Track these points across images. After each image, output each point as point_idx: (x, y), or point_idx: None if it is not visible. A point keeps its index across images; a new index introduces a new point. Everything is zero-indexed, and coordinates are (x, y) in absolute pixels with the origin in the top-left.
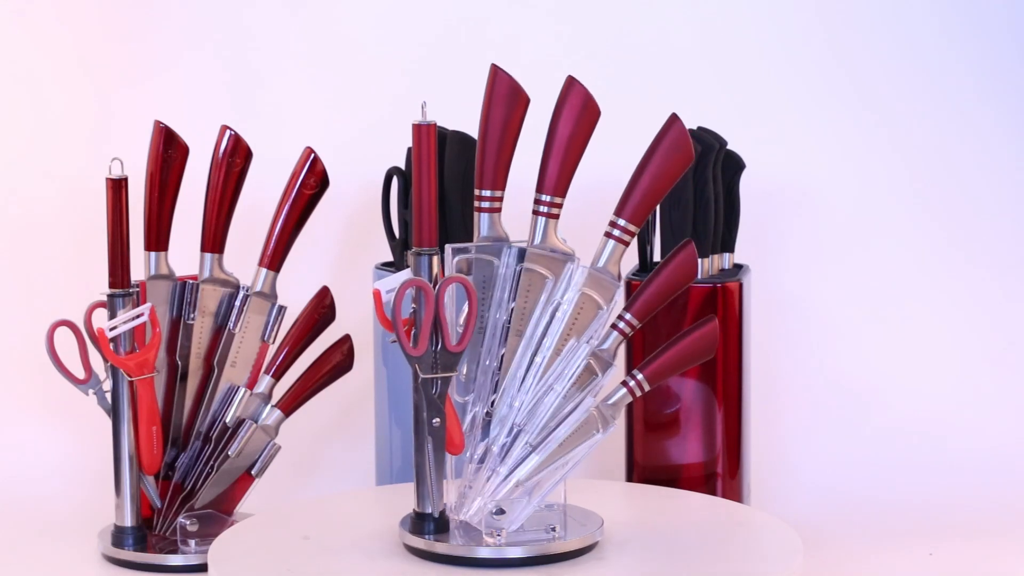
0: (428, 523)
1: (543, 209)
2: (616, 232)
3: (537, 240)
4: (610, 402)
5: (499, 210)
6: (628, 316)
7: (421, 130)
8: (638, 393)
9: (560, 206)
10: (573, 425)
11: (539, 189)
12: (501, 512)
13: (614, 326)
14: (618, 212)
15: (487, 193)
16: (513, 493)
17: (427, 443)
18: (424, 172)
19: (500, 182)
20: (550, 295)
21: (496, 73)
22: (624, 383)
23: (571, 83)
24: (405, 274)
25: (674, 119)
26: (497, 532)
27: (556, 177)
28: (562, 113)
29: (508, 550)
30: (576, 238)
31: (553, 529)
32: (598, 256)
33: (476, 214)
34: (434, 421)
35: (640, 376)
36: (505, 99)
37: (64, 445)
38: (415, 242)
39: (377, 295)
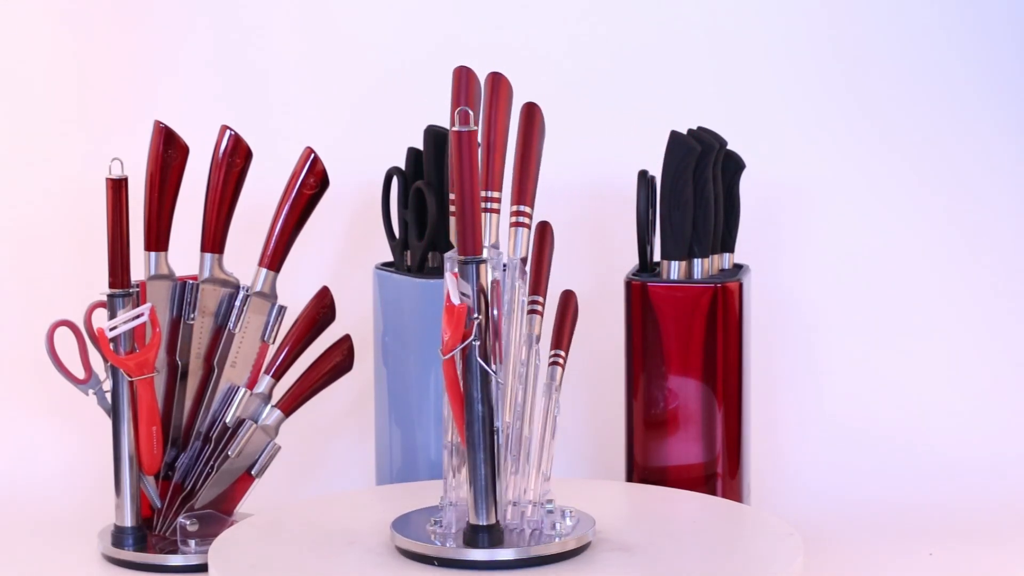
0: (483, 535)
1: (488, 205)
2: (522, 219)
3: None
4: (555, 381)
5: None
6: (539, 298)
7: (461, 137)
8: (565, 366)
9: (498, 200)
10: (547, 407)
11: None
12: (551, 502)
13: (533, 309)
14: (517, 200)
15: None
16: (541, 485)
17: (496, 450)
18: (466, 179)
19: None
20: (507, 292)
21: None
22: (555, 362)
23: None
24: (451, 282)
25: (531, 106)
26: (555, 525)
27: (487, 176)
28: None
29: (500, 552)
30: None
31: (563, 514)
32: (514, 246)
33: (452, 219)
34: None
35: (562, 352)
36: (456, 97)
37: (64, 445)
38: (460, 251)
39: (458, 308)
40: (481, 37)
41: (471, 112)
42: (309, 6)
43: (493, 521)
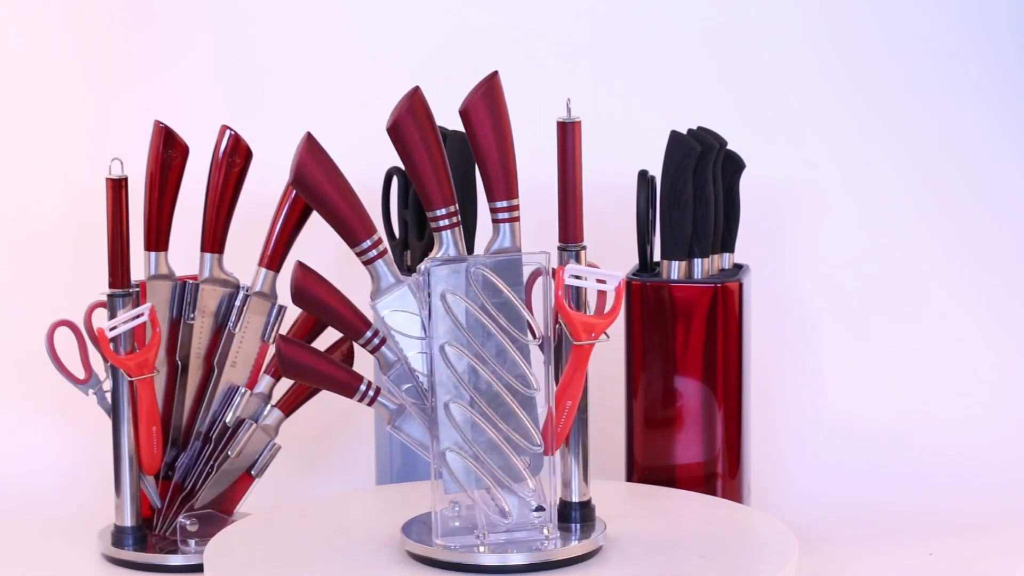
0: (576, 511)
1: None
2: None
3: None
4: None
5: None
6: None
7: (566, 128)
8: None
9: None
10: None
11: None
12: None
13: None
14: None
15: (502, 204)
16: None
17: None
18: (569, 168)
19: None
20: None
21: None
22: None
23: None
24: (584, 269)
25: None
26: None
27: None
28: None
29: (510, 556)
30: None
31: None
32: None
33: (498, 226)
34: None
35: None
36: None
37: (64, 445)
38: (561, 238)
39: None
40: (481, 38)
41: (570, 100)
42: (310, 6)
43: (588, 497)
